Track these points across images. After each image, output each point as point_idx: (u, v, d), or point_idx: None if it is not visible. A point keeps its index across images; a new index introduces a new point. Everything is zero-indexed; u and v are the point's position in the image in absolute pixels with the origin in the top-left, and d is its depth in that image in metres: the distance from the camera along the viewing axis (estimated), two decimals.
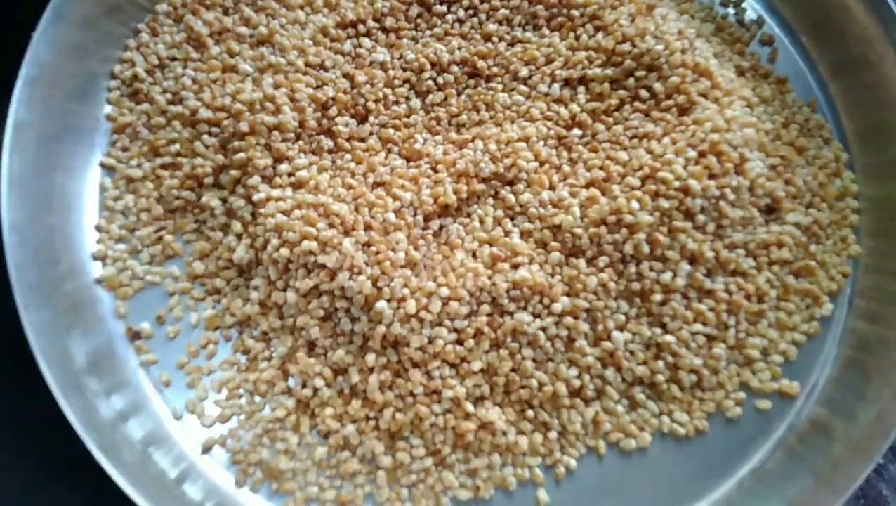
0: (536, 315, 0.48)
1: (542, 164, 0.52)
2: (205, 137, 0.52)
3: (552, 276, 0.49)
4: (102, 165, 0.53)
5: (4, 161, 0.46)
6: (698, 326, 0.49)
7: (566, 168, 0.52)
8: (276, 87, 0.52)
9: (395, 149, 0.54)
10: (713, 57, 0.55)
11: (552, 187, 0.51)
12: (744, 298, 0.51)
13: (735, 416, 0.50)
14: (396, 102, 0.55)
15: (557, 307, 0.48)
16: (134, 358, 0.49)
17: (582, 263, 0.49)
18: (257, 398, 0.48)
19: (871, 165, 0.56)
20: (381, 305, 0.46)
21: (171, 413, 0.48)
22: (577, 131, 0.53)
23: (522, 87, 0.55)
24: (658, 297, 0.49)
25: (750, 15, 0.61)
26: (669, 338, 0.49)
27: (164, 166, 0.52)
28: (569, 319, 0.48)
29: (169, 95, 0.54)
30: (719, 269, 0.50)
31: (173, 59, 0.55)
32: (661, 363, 0.49)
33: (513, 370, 0.48)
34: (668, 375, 0.49)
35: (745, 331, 0.51)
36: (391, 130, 0.54)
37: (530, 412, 0.48)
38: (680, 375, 0.49)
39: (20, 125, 0.48)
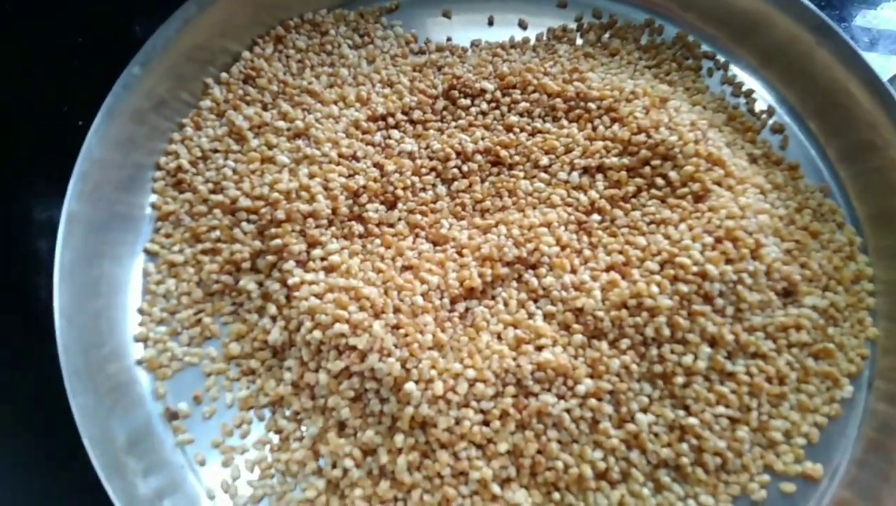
0: (561, 397, 0.49)
1: (563, 248, 0.54)
2: (243, 224, 0.54)
3: (575, 358, 0.50)
4: (146, 251, 0.56)
5: (58, 251, 0.49)
6: (721, 409, 0.50)
7: (587, 252, 0.54)
8: (311, 176, 0.55)
9: (423, 234, 0.56)
10: (725, 146, 0.57)
11: (574, 271, 0.53)
12: (765, 380, 0.51)
13: (760, 499, 0.50)
14: (423, 189, 0.57)
15: (581, 389, 0.49)
16: (171, 437, 0.51)
17: (604, 345, 0.50)
18: (289, 479, 0.49)
19: (884, 248, 0.57)
20: (409, 386, 0.47)
21: (206, 493, 0.49)
22: (596, 217, 0.55)
23: (543, 175, 0.57)
24: (680, 379, 0.50)
25: (760, 105, 0.64)
26: (693, 420, 0.49)
27: (204, 252, 0.55)
28: (593, 401, 0.49)
29: (210, 185, 0.57)
30: (740, 351, 0.51)
31: (215, 151, 0.58)
32: (685, 446, 0.49)
33: (538, 452, 0.48)
34: (693, 458, 0.49)
35: (768, 413, 0.51)
36: (418, 216, 0.56)
37: (556, 495, 0.48)
38: (704, 457, 0.49)
39: (72, 217, 0.51)
